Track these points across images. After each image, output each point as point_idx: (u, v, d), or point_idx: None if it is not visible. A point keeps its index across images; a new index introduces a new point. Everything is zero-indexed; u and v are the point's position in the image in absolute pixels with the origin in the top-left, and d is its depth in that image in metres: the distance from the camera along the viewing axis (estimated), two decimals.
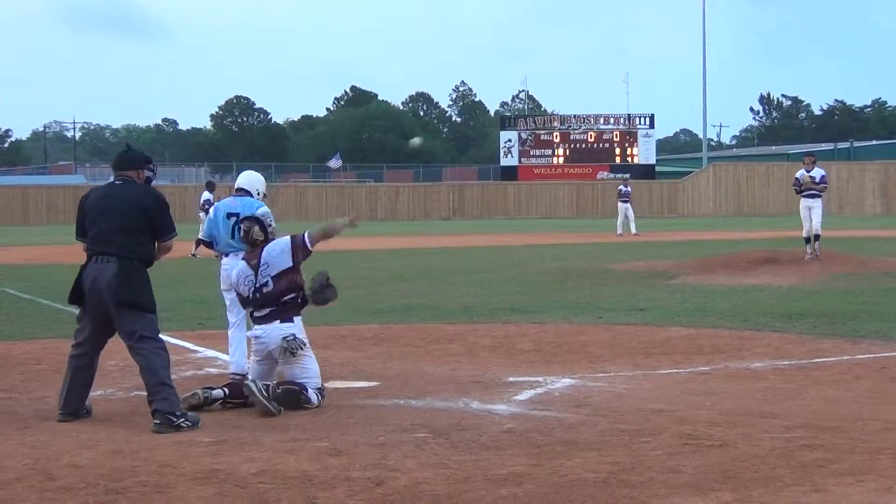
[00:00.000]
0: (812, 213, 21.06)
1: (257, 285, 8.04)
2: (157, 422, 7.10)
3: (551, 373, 9.34)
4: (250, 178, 9.55)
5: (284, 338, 7.91)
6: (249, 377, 7.99)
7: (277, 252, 8.08)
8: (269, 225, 8.29)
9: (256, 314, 8.08)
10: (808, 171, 21.23)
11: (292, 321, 8.02)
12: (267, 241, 8.21)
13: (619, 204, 37.95)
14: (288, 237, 8.18)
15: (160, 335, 7.57)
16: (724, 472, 5.69)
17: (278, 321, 7.97)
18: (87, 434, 6.92)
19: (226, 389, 7.91)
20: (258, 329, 8.04)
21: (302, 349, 7.93)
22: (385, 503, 5.25)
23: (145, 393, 7.36)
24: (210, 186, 29.36)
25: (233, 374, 8.85)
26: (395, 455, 6.18)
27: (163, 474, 5.81)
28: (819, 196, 21.32)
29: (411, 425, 7.09)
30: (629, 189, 38.64)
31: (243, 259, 8.25)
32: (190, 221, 34.90)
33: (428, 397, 8.23)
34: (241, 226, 8.31)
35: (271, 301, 8.00)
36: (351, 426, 7.14)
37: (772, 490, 5.35)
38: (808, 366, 9.60)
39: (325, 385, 8.15)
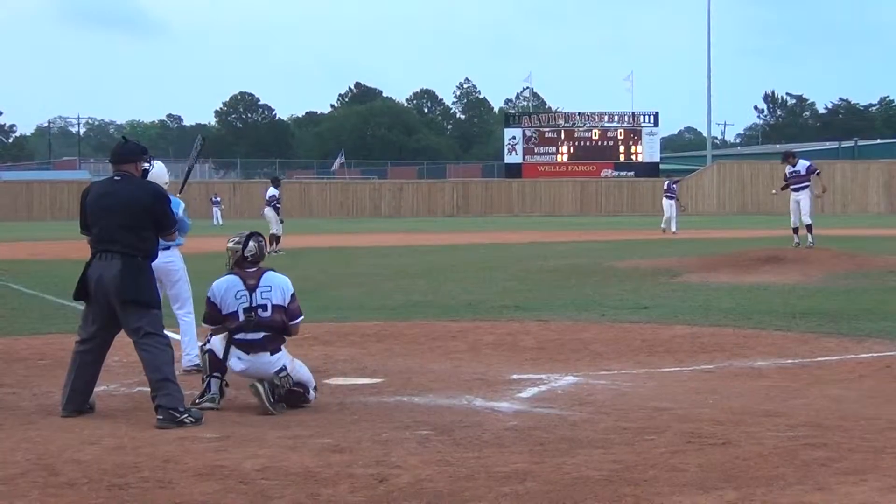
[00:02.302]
0: (800, 205, 22.26)
1: (253, 304, 7.75)
2: (161, 417, 7.11)
3: (554, 370, 9.33)
4: (159, 174, 8.64)
5: (278, 374, 7.62)
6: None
7: (280, 284, 7.87)
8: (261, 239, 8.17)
9: (245, 337, 7.72)
10: (793, 167, 22.47)
11: (280, 350, 7.79)
12: (260, 256, 8.01)
13: (665, 200, 37.76)
14: (291, 287, 7.90)
15: (164, 331, 7.58)
16: (727, 471, 5.69)
17: (268, 353, 7.70)
18: (89, 430, 6.93)
19: (226, 380, 7.86)
20: (244, 360, 7.69)
21: (291, 385, 7.68)
22: (387, 500, 5.25)
23: (148, 388, 7.38)
24: (275, 182, 28.09)
25: (187, 368, 9.11)
26: (398, 452, 6.18)
27: (166, 470, 5.81)
28: (804, 189, 22.35)
29: (414, 422, 7.09)
30: (676, 186, 38.71)
31: (235, 274, 7.89)
32: (195, 217, 34.84)
33: (431, 394, 8.23)
34: (251, 242, 7.93)
35: (265, 326, 7.75)
36: (354, 423, 7.14)
37: (775, 489, 5.34)
38: (812, 364, 9.58)
39: (328, 381, 8.18)
